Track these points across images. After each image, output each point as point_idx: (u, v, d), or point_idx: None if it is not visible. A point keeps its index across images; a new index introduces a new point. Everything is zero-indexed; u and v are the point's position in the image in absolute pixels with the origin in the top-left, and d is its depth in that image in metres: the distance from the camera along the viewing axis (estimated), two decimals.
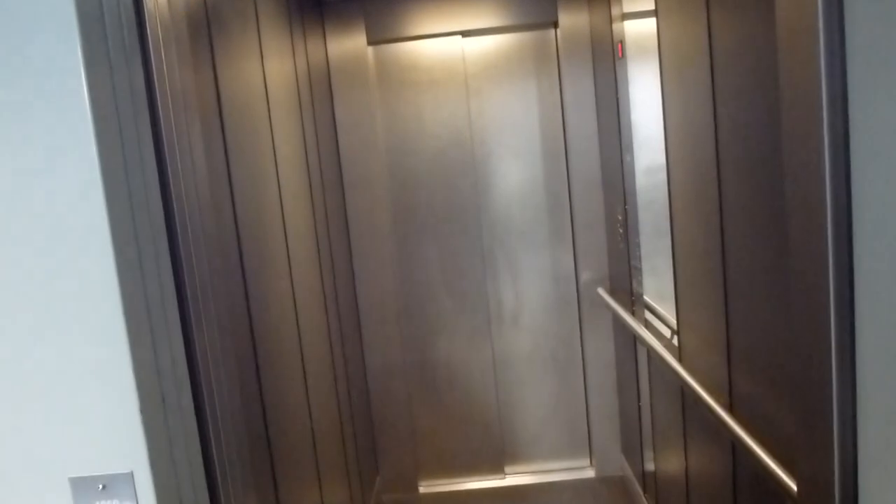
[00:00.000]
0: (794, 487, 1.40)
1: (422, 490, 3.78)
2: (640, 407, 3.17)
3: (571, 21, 3.40)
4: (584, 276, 3.56)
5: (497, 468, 3.80)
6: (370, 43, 3.46)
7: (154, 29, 1.05)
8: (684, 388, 2.25)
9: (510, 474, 3.81)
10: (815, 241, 1.13)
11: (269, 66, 2.27)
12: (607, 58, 3.10)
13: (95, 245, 0.97)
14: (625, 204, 3.00)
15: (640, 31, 2.71)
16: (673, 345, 2.46)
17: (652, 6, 2.27)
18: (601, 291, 3.45)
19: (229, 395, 1.23)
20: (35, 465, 1.02)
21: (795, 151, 1.17)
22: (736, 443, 1.81)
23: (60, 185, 0.96)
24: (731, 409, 1.91)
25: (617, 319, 3.42)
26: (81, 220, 0.97)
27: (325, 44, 3.42)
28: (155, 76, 1.04)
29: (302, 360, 2.33)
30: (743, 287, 1.76)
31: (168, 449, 1.03)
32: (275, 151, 2.26)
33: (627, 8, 2.77)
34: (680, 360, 2.30)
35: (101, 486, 1.01)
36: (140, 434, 0.99)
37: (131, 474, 1.00)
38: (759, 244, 1.63)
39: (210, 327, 1.16)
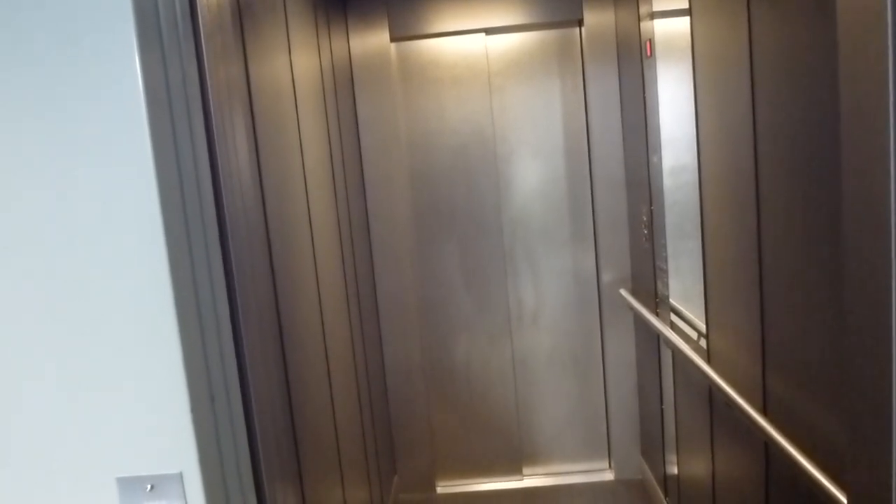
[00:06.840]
0: (844, 500, 1.36)
1: (439, 490, 3.76)
2: (662, 409, 3.13)
3: (597, 19, 3.36)
4: (606, 276, 3.52)
5: (515, 469, 3.77)
6: (393, 39, 3.44)
7: (206, 18, 1.03)
8: (713, 390, 2.22)
9: (528, 476, 3.78)
10: (877, 240, 1.10)
11: (296, 61, 2.25)
12: (634, 57, 3.07)
13: (148, 240, 0.94)
14: (650, 204, 2.96)
15: (668, 30, 2.67)
16: (700, 347, 2.42)
17: (685, 5, 2.24)
18: (623, 292, 3.42)
19: (272, 393, 1.21)
20: (83, 464, 1.00)
21: (857, 149, 1.14)
22: (771, 447, 1.77)
23: (113, 181, 0.93)
24: (764, 412, 1.87)
25: (639, 321, 3.38)
26: (134, 214, 0.93)
27: (349, 40, 3.39)
28: (206, 65, 1.02)
29: (326, 359, 2.30)
30: (781, 286, 1.73)
31: (217, 449, 1.00)
32: (301, 147, 2.24)
33: (657, 6, 2.74)
34: (709, 362, 2.27)
35: (149, 487, 0.98)
36: (190, 434, 0.96)
37: (180, 475, 0.97)
38: (800, 242, 1.59)
39: (256, 324, 1.13)
